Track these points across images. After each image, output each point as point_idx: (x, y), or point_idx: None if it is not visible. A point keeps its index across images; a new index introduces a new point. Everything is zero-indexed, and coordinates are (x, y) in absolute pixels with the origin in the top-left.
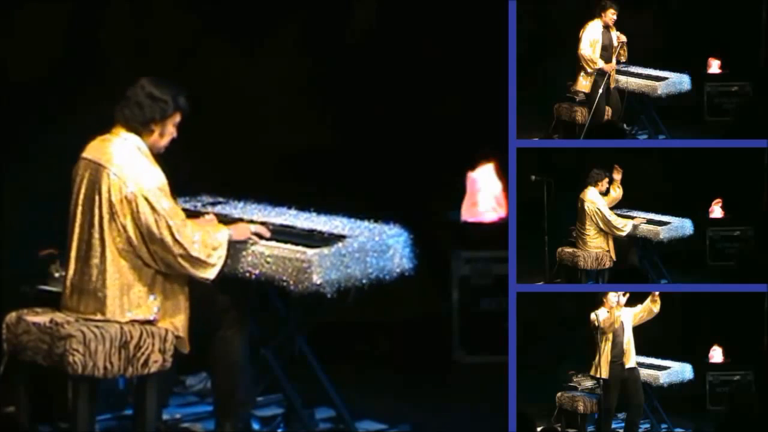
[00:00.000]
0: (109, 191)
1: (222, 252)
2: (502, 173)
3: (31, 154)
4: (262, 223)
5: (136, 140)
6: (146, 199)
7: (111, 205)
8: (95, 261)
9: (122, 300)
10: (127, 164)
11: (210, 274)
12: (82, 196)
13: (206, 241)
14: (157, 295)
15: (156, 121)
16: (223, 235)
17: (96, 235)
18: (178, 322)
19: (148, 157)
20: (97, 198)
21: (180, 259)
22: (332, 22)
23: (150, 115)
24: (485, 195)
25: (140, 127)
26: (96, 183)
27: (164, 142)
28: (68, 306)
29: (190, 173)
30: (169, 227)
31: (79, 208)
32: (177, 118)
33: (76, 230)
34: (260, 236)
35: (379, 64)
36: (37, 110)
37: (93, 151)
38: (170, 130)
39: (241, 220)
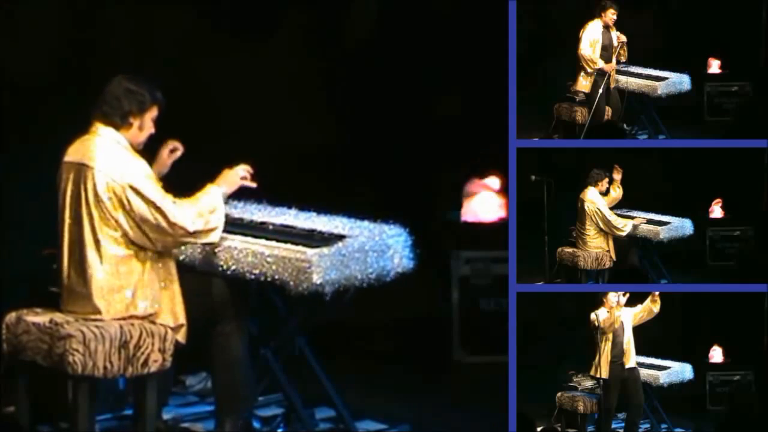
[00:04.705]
0: (95, 188)
1: (220, 213)
2: (502, 174)
3: (32, 154)
4: (262, 223)
5: (115, 134)
6: (135, 190)
7: (100, 201)
8: (90, 260)
9: (121, 298)
10: (109, 159)
11: (213, 237)
12: (68, 199)
13: (201, 211)
14: (156, 288)
15: (134, 114)
16: (215, 196)
17: (88, 235)
18: (177, 312)
19: (129, 150)
20: (83, 197)
21: (181, 239)
22: (332, 22)
23: (128, 108)
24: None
25: (119, 121)
26: (81, 183)
27: (143, 136)
28: (66, 308)
29: (191, 173)
30: (163, 212)
31: (67, 212)
32: (154, 111)
33: (66, 234)
34: (249, 180)
35: (380, 64)
36: (38, 110)
37: (74, 153)
38: (149, 124)
39: (241, 219)
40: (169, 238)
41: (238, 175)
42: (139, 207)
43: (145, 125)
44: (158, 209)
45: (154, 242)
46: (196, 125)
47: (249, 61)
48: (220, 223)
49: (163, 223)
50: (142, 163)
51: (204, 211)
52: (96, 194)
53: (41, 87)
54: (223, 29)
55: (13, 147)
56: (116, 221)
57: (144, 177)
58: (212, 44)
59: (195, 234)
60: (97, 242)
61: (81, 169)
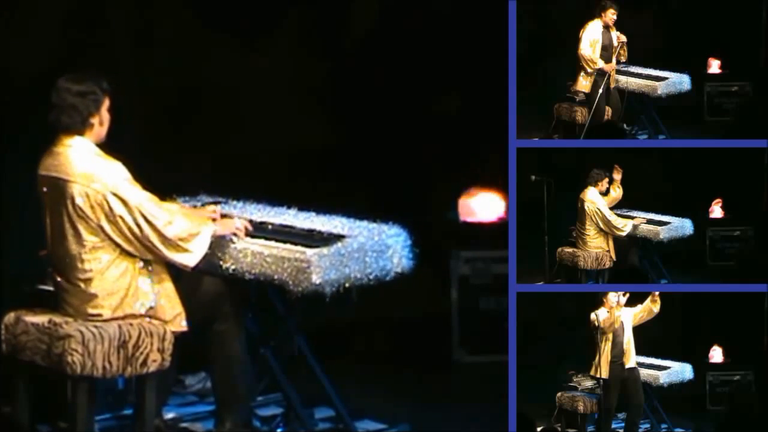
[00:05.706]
0: (74, 202)
1: (201, 241)
2: (502, 175)
3: (32, 154)
4: (261, 223)
5: (83, 142)
6: (116, 195)
7: (81, 212)
8: (77, 266)
9: (113, 301)
10: (86, 170)
11: (188, 260)
12: (48, 209)
13: (183, 225)
14: (148, 289)
15: (93, 114)
16: (206, 226)
17: (71, 242)
18: (174, 306)
19: (101, 155)
20: (64, 211)
21: (157, 243)
22: (332, 21)
23: (86, 111)
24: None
25: (81, 127)
26: (60, 198)
27: (104, 130)
28: (63, 306)
29: (190, 173)
30: (144, 215)
31: (48, 220)
32: (107, 101)
33: (51, 240)
34: (244, 232)
35: (379, 63)
36: (38, 110)
37: (48, 166)
38: (105, 116)
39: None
40: (147, 242)
41: (235, 224)
42: (122, 213)
43: (103, 119)
44: (139, 212)
45: (135, 246)
46: (197, 125)
47: (249, 61)
48: (199, 252)
49: (143, 224)
50: (117, 166)
51: (186, 229)
52: (75, 205)
53: (41, 87)
54: (223, 29)
55: (13, 147)
56: (101, 228)
57: (123, 180)
58: (212, 44)
59: (169, 242)
60: (81, 250)
61: (57, 183)
